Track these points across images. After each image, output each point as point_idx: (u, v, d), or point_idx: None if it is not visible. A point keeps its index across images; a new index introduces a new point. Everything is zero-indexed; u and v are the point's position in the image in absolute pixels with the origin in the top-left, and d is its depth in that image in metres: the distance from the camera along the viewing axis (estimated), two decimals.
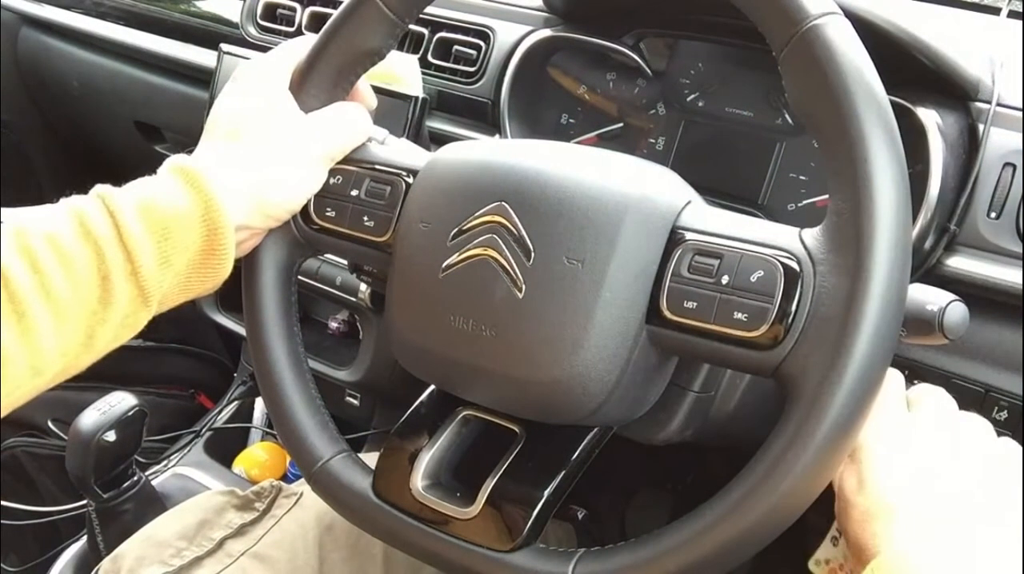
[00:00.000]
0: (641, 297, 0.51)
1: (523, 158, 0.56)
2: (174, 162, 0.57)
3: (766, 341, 0.48)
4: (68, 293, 0.50)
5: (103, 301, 0.51)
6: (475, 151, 0.59)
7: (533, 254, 0.53)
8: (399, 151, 0.64)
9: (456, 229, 0.56)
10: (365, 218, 0.61)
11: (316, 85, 0.62)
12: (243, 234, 0.59)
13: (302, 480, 0.82)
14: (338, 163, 0.63)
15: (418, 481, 0.58)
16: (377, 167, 0.62)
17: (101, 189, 0.54)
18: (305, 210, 0.63)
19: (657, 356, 0.54)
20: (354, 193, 0.62)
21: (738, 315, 0.49)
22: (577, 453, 0.58)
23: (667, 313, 0.51)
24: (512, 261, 0.53)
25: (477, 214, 0.55)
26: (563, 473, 0.57)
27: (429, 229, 0.57)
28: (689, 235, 0.52)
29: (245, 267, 0.64)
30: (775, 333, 0.48)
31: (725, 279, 0.49)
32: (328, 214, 0.63)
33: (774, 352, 0.48)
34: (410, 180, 0.60)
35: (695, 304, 0.50)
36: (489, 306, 0.54)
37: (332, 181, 0.63)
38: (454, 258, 0.55)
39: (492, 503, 0.56)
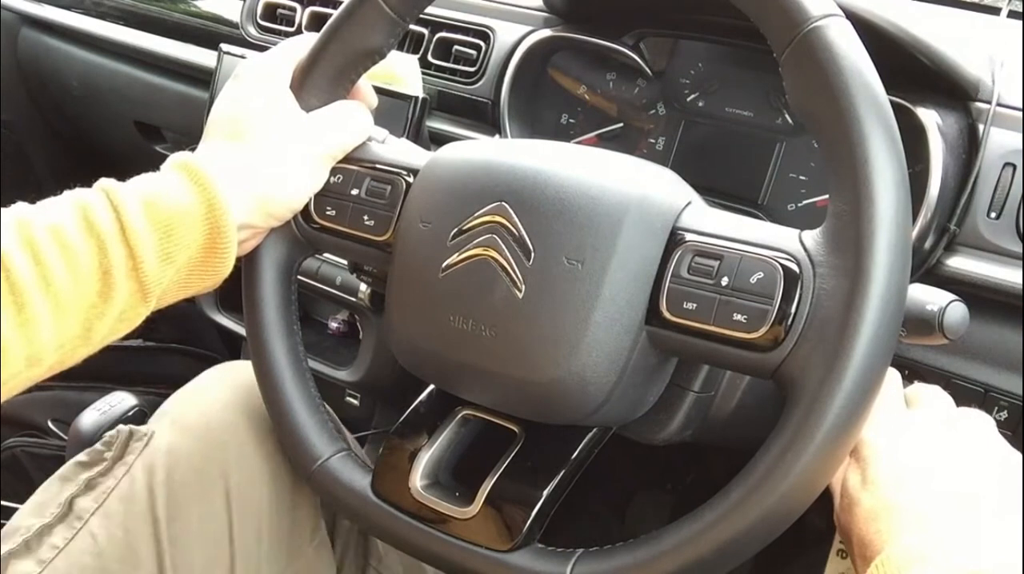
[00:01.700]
0: (641, 298, 0.51)
1: (523, 158, 0.56)
2: (178, 159, 0.57)
3: (766, 342, 0.48)
4: (68, 285, 0.50)
5: (103, 295, 0.51)
6: (475, 151, 0.59)
7: (533, 254, 0.53)
8: (399, 150, 0.64)
9: (456, 229, 0.55)
10: (365, 217, 0.61)
11: (317, 84, 0.62)
12: (244, 233, 0.59)
13: (157, 416, 0.71)
14: (339, 162, 0.63)
15: (417, 481, 0.58)
16: (378, 166, 0.62)
17: (105, 183, 0.54)
18: (306, 209, 0.63)
19: (656, 357, 0.54)
20: (355, 192, 0.62)
21: (738, 316, 0.49)
22: (576, 453, 0.58)
23: (667, 314, 0.51)
24: (512, 261, 0.53)
25: (477, 214, 0.55)
26: (562, 473, 0.57)
27: (429, 228, 0.57)
28: (689, 236, 0.52)
29: (245, 266, 0.64)
30: (775, 334, 0.48)
31: (725, 280, 0.49)
32: (329, 213, 0.63)
33: (774, 354, 0.48)
34: (410, 179, 0.60)
35: (695, 305, 0.50)
36: (489, 306, 0.54)
37: (333, 180, 0.63)
38: (454, 258, 0.55)
39: (491, 503, 0.56)
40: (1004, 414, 0.71)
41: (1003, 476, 0.50)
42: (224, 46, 1.12)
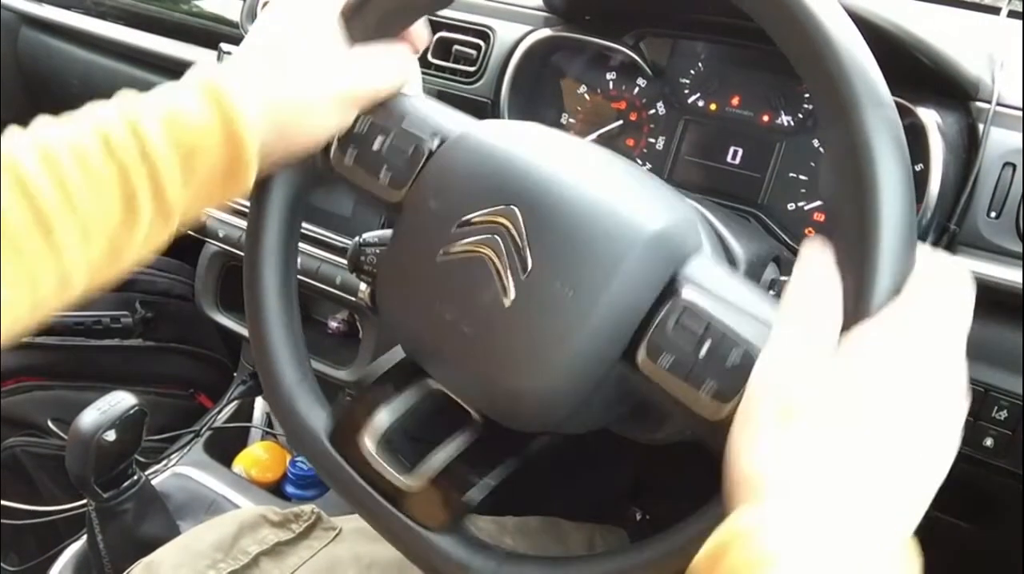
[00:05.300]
0: (622, 338, 0.50)
1: (549, 161, 0.54)
2: (203, 77, 0.54)
3: (729, 423, 0.46)
4: (94, 210, 0.49)
5: (127, 219, 0.50)
6: (506, 139, 0.56)
7: (529, 269, 0.51)
8: (433, 111, 0.60)
9: (463, 218, 0.54)
10: (383, 171, 0.58)
11: (366, 20, 0.58)
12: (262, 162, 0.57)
13: (342, 516, 0.83)
14: (368, 109, 0.59)
15: (369, 439, 0.57)
16: (406, 123, 0.59)
17: (125, 106, 0.52)
18: (327, 147, 0.60)
19: (621, 389, 0.53)
20: (377, 144, 0.59)
21: (708, 385, 0.47)
22: (530, 449, 0.57)
23: (642, 360, 0.49)
24: (507, 268, 0.52)
25: (487, 210, 0.53)
26: (512, 465, 0.57)
27: (438, 208, 0.55)
28: (685, 289, 0.49)
29: (256, 185, 0.61)
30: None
31: (706, 347, 0.47)
32: (347, 159, 0.60)
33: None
34: (435, 146, 0.58)
35: (671, 360, 0.48)
36: (474, 305, 0.53)
37: (358, 126, 0.59)
38: (453, 247, 0.54)
39: (433, 480, 0.55)
40: (1004, 414, 0.71)
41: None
42: (224, 46, 1.12)
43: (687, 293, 0.49)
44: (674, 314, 0.49)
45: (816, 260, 0.43)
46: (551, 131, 0.58)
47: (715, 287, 0.49)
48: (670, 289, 0.50)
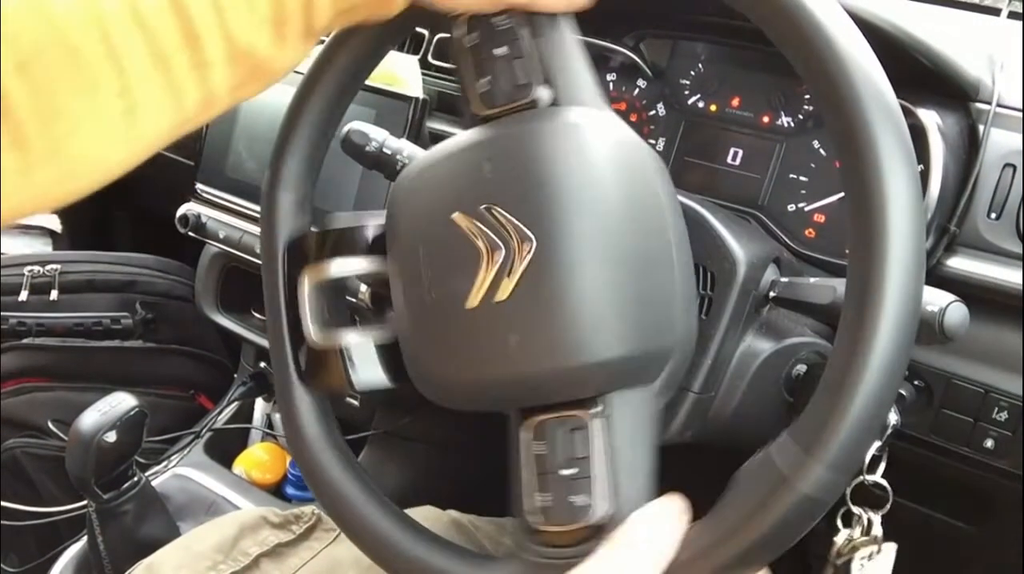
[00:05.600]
0: (530, 400, 0.50)
1: (609, 220, 0.49)
2: None
3: (539, 537, 0.48)
4: (243, 32, 0.47)
5: (274, 43, 0.49)
6: (600, 159, 0.50)
7: (503, 299, 0.49)
8: (567, 63, 0.53)
9: (494, 206, 0.50)
10: (484, 79, 0.52)
11: None
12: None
13: None
14: (518, 9, 0.52)
15: (310, 276, 0.56)
16: (535, 52, 0.52)
17: None
18: (447, 19, 0.54)
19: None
20: (501, 50, 0.52)
21: (546, 497, 0.47)
22: None
23: (525, 434, 0.50)
24: (487, 281, 0.50)
25: (516, 219, 0.49)
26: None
27: (485, 176, 0.50)
28: (599, 409, 0.48)
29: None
30: (565, 540, 0.47)
31: (568, 472, 0.47)
32: (467, 40, 0.53)
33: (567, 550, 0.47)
34: (539, 97, 0.51)
35: (542, 451, 0.48)
36: (446, 284, 0.51)
37: (499, 18, 0.52)
38: (466, 223, 0.51)
39: (338, 349, 0.55)
40: (1004, 414, 0.71)
41: None
42: None
43: (596, 414, 0.48)
44: (572, 423, 0.48)
45: (667, 524, 0.46)
46: (655, 173, 0.52)
47: (623, 432, 0.48)
48: (591, 400, 0.48)
